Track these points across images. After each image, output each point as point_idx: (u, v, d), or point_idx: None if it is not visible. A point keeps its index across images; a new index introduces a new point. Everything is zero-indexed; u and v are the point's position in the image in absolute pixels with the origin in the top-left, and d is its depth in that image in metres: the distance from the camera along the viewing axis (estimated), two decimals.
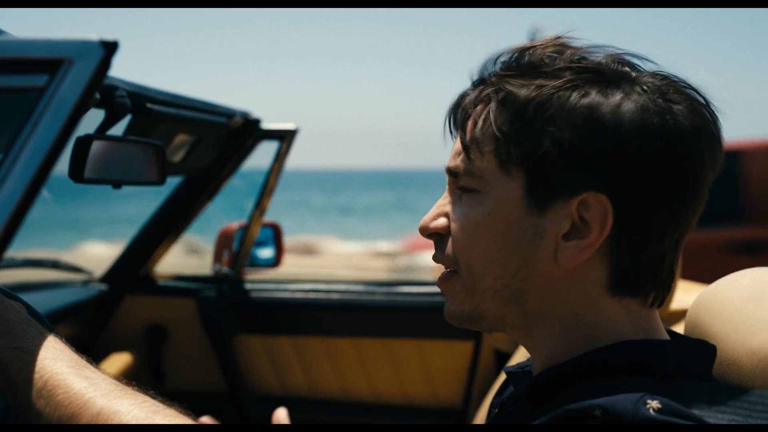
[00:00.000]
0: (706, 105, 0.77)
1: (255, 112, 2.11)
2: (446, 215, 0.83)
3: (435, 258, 0.84)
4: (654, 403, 0.67)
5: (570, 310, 0.78)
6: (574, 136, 0.73)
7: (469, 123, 0.79)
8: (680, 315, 1.57)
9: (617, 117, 0.73)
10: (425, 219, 0.84)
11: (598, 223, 0.74)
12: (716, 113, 0.77)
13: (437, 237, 0.84)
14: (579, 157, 0.73)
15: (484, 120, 0.78)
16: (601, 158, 0.73)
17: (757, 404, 0.73)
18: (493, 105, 0.77)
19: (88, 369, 0.83)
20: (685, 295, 1.63)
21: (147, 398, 0.81)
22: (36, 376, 0.80)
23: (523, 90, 0.76)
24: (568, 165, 0.73)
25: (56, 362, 0.81)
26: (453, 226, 0.81)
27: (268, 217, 2.38)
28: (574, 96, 0.74)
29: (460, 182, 0.80)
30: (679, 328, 1.02)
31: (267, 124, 2.14)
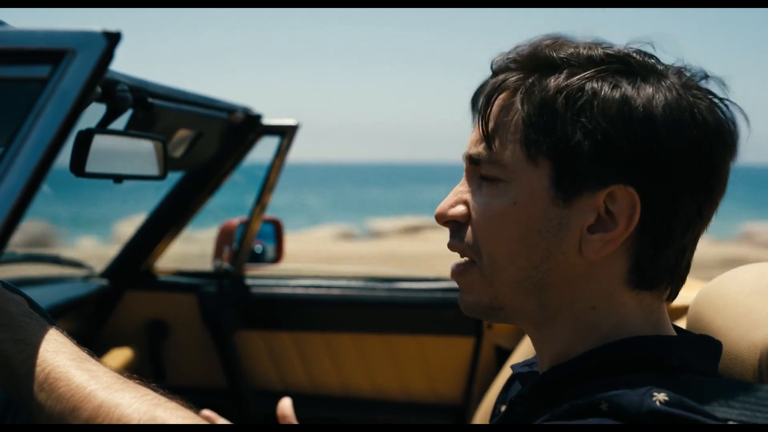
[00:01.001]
0: (725, 99, 0.77)
1: (256, 107, 2.11)
2: (464, 203, 0.81)
3: (451, 246, 0.83)
4: (661, 396, 0.67)
5: (589, 303, 0.77)
6: (607, 128, 0.72)
7: (494, 110, 0.78)
8: (682, 311, 1.56)
9: (650, 111, 0.72)
10: (443, 205, 0.82)
11: (626, 217, 0.73)
12: (733, 107, 0.77)
13: (454, 224, 0.82)
14: (610, 150, 0.72)
15: (511, 108, 0.76)
16: (633, 151, 0.72)
17: (766, 400, 0.72)
18: (520, 93, 0.76)
19: (90, 362, 0.82)
20: (687, 290, 1.63)
21: (149, 391, 0.80)
22: (37, 368, 0.79)
23: (551, 79, 0.75)
24: (598, 157, 0.73)
25: (58, 355, 0.81)
26: (474, 214, 0.79)
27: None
28: (606, 87, 0.73)
29: (482, 170, 0.79)
30: (681, 324, 1.02)
31: (268, 120, 2.14)
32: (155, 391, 0.81)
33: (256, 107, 2.13)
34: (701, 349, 0.79)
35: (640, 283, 0.76)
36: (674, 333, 0.81)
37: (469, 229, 0.80)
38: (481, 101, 0.79)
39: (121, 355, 2.20)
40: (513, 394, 0.89)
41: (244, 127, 2.10)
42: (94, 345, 2.26)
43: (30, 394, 0.79)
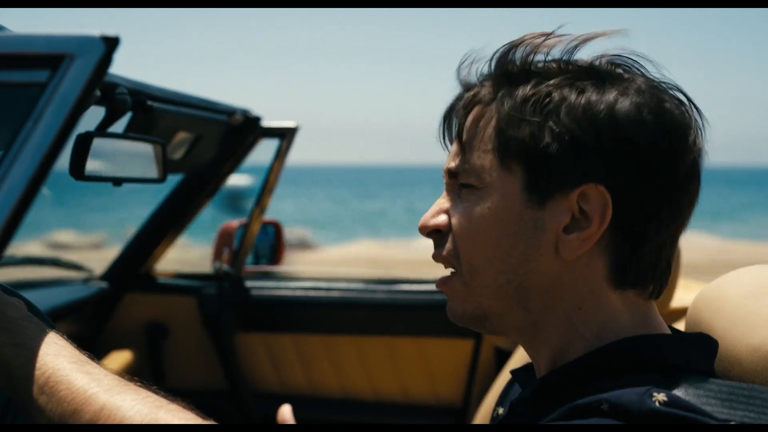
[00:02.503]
0: (691, 104, 0.80)
1: (255, 108, 2.11)
2: (446, 212, 0.83)
3: (435, 257, 0.85)
4: (660, 396, 0.68)
5: (574, 303, 0.79)
6: (573, 130, 0.75)
7: (467, 123, 0.81)
8: (681, 313, 1.57)
9: (613, 112, 0.75)
10: (425, 217, 0.85)
11: (598, 215, 0.76)
12: (700, 112, 0.80)
13: (437, 235, 0.84)
14: (578, 150, 0.75)
15: (482, 119, 0.80)
16: (600, 151, 0.75)
17: None
18: (491, 105, 0.79)
19: (90, 365, 0.82)
20: (686, 292, 1.63)
21: (150, 393, 0.80)
22: (38, 372, 0.79)
23: (519, 89, 0.78)
24: (567, 158, 0.75)
25: (58, 358, 0.81)
26: (454, 222, 0.82)
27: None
28: (572, 93, 0.76)
29: (460, 180, 0.81)
30: (680, 326, 1.02)
31: (267, 122, 2.14)
32: (156, 393, 0.81)
33: (256, 108, 2.13)
34: (698, 346, 0.80)
35: (622, 281, 0.78)
36: (668, 331, 0.82)
37: (450, 238, 0.83)
38: (455, 116, 0.83)
39: (120, 358, 2.20)
40: (513, 397, 0.89)
41: (244, 130, 2.10)
42: (94, 347, 2.26)
43: (30, 397, 0.79)
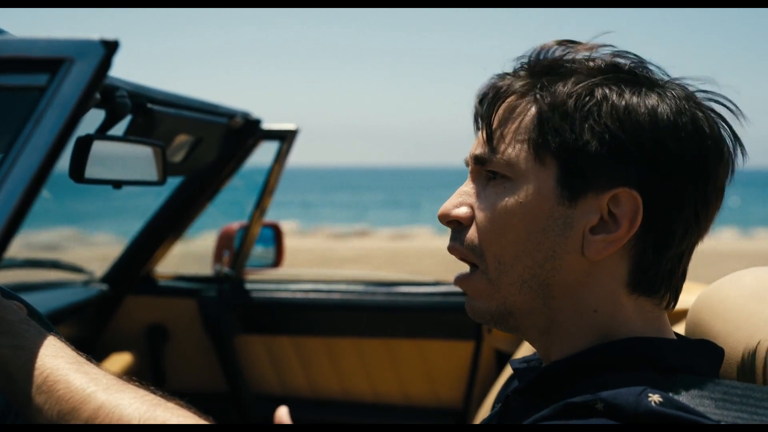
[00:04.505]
0: (729, 111, 0.79)
1: (255, 111, 2.11)
2: (469, 205, 0.82)
3: (451, 248, 0.83)
4: (656, 397, 0.68)
5: (591, 305, 0.79)
6: (615, 131, 0.74)
7: (501, 112, 0.80)
8: (681, 315, 1.56)
9: (655, 118, 0.75)
10: (447, 205, 0.83)
11: (628, 219, 0.75)
12: (739, 119, 0.80)
13: (456, 225, 0.83)
14: (617, 152, 0.75)
15: (519, 110, 0.79)
16: (639, 155, 0.74)
17: (763, 401, 0.73)
18: (529, 96, 0.78)
19: (88, 365, 0.82)
20: (687, 294, 1.63)
21: (148, 392, 0.81)
22: (36, 372, 0.79)
23: (560, 84, 0.77)
24: (605, 159, 0.75)
25: (56, 359, 0.81)
26: (479, 214, 0.81)
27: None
28: (613, 94, 0.76)
29: (489, 167, 0.80)
30: (680, 328, 1.02)
31: (268, 125, 2.14)
32: (154, 393, 0.81)
33: (256, 110, 2.13)
34: (702, 352, 0.80)
35: (639, 286, 0.78)
36: (674, 338, 0.82)
37: (472, 230, 0.81)
38: (488, 104, 0.81)
39: (121, 360, 2.20)
40: (509, 392, 0.89)
41: (244, 132, 2.10)
42: (95, 350, 2.26)
43: (28, 397, 0.79)
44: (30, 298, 1.04)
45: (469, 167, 0.83)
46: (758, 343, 0.85)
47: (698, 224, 0.78)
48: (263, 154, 2.23)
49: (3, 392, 0.82)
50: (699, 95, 0.79)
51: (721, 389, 0.73)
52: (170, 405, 0.79)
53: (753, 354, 0.85)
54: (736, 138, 0.79)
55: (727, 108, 0.79)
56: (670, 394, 0.69)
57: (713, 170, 0.77)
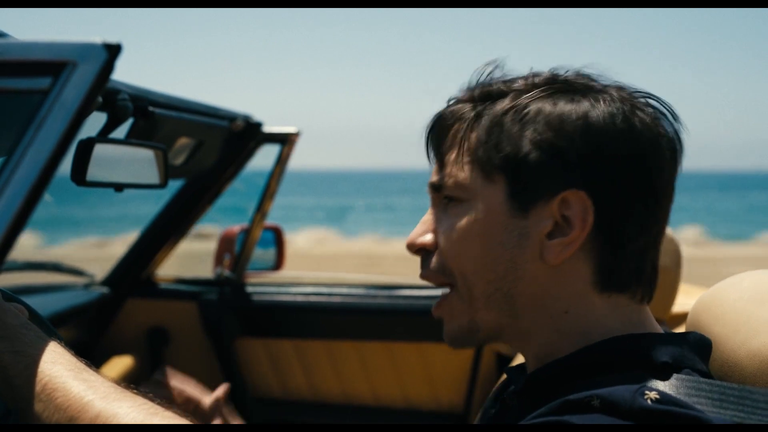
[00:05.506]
0: (665, 110, 0.83)
1: (256, 111, 2.11)
2: (432, 231, 0.86)
3: (423, 276, 0.87)
4: (652, 394, 0.69)
5: (561, 308, 0.81)
6: (552, 138, 0.78)
7: (449, 139, 0.84)
8: (681, 318, 1.57)
9: (587, 121, 0.78)
10: (412, 235, 0.87)
11: (580, 219, 0.78)
12: (676, 118, 0.83)
13: (424, 253, 0.87)
14: (557, 157, 0.78)
15: (463, 134, 0.82)
16: (577, 157, 0.78)
17: (760, 402, 0.74)
18: (470, 120, 0.82)
19: (87, 372, 0.83)
20: (686, 297, 1.63)
21: (145, 401, 0.81)
22: (35, 379, 0.80)
23: (497, 104, 0.81)
24: (546, 166, 0.78)
25: (55, 365, 0.82)
26: (441, 237, 0.84)
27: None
28: (547, 104, 0.79)
29: (445, 192, 0.84)
30: (680, 331, 1.02)
31: (269, 128, 2.14)
32: (152, 400, 0.82)
33: (256, 111, 2.13)
34: (688, 345, 0.81)
35: (607, 285, 0.80)
36: (659, 332, 0.83)
37: (437, 254, 0.85)
38: (437, 133, 0.85)
39: (121, 363, 2.20)
40: (505, 395, 0.91)
41: (245, 135, 2.11)
42: (95, 353, 2.26)
43: (27, 404, 0.80)
44: (31, 300, 1.04)
45: (430, 196, 0.87)
46: (757, 346, 0.85)
47: (653, 218, 0.80)
48: (264, 158, 2.23)
49: (3, 397, 0.82)
50: (635, 96, 0.82)
51: (719, 390, 0.74)
52: (167, 414, 0.80)
53: (751, 357, 0.86)
54: (677, 134, 0.83)
55: (663, 105, 0.83)
56: (667, 391, 0.70)
57: (654, 165, 0.80)
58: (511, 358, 1.99)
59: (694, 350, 0.80)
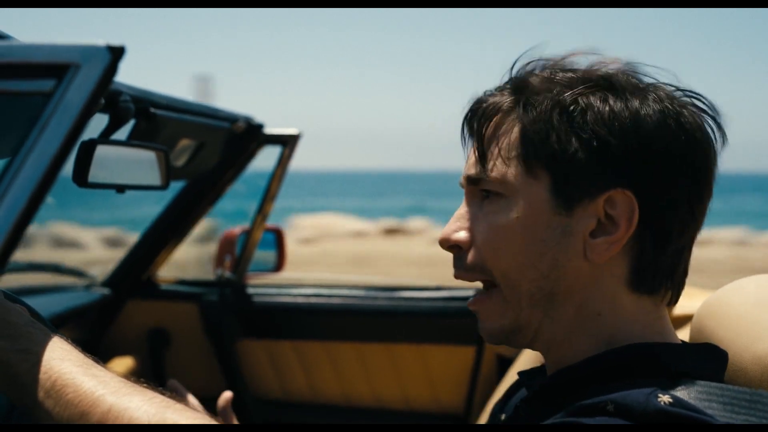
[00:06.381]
0: (709, 110, 0.82)
1: (256, 115, 2.11)
2: (466, 228, 0.83)
3: (457, 275, 0.85)
4: (665, 398, 0.69)
5: (594, 309, 0.80)
6: (601, 136, 0.76)
7: (490, 131, 0.81)
8: (685, 320, 1.56)
9: (638, 120, 0.77)
10: (446, 231, 0.84)
11: (626, 219, 0.77)
12: (718, 116, 0.82)
13: (457, 250, 0.84)
14: (605, 156, 0.76)
15: (507, 127, 0.80)
16: (626, 156, 0.76)
17: None
18: (514, 112, 0.80)
19: (96, 368, 0.83)
20: (690, 300, 1.63)
21: (156, 394, 0.81)
22: (44, 376, 0.79)
23: (543, 97, 0.79)
24: (594, 164, 0.77)
25: (63, 362, 0.81)
26: (479, 235, 0.82)
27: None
28: (596, 101, 0.78)
29: (482, 186, 0.82)
30: (684, 333, 1.02)
31: (270, 129, 2.14)
32: (162, 394, 0.82)
33: (257, 113, 2.13)
34: (708, 356, 0.81)
35: (640, 284, 0.79)
36: (678, 341, 0.83)
37: (473, 252, 0.82)
38: (476, 124, 0.83)
39: (122, 364, 2.20)
40: (517, 401, 0.90)
41: (246, 137, 2.10)
42: (96, 354, 2.24)
43: (36, 402, 0.79)
44: (32, 302, 1.04)
45: (464, 188, 0.85)
46: (762, 350, 0.85)
47: (694, 218, 0.80)
48: (265, 159, 2.23)
49: (9, 396, 0.82)
50: (679, 94, 0.81)
51: (730, 394, 0.74)
52: (179, 406, 0.80)
53: (756, 361, 0.86)
54: (722, 133, 0.82)
55: (706, 105, 0.82)
56: (680, 396, 0.70)
57: (701, 165, 0.79)
58: (512, 360, 1.99)
59: (709, 360, 0.80)
